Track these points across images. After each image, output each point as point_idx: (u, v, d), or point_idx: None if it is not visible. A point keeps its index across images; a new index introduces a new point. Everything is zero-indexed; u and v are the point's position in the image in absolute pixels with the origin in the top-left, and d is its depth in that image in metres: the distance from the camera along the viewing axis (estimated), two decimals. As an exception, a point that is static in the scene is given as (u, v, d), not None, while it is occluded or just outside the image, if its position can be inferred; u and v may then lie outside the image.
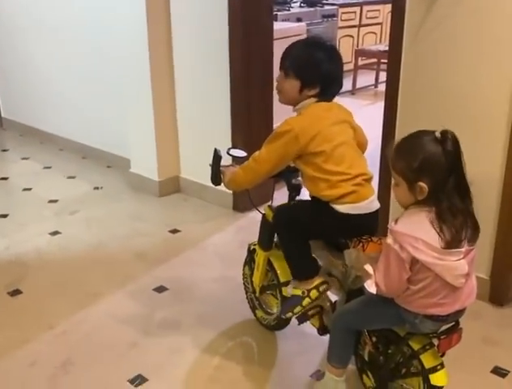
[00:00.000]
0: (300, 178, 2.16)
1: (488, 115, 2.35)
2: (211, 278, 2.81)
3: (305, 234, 2.00)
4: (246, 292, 2.49)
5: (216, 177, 2.10)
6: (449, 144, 1.54)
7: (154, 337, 2.37)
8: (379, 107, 2.81)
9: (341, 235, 1.98)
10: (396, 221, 1.60)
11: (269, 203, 2.24)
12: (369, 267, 1.68)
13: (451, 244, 1.54)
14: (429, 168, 1.54)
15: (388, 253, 1.59)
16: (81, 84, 4.49)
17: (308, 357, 2.23)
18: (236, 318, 2.48)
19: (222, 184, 2.12)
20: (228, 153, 2.15)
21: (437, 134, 1.56)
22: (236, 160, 2.17)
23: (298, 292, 2.01)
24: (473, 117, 2.38)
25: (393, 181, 1.66)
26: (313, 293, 1.99)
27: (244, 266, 2.47)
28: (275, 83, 2.07)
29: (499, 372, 2.14)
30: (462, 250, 1.58)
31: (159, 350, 2.29)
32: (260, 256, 2.25)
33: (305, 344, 2.29)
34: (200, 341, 2.33)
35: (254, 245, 2.33)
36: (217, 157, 2.08)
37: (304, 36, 5.60)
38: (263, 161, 1.96)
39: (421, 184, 1.55)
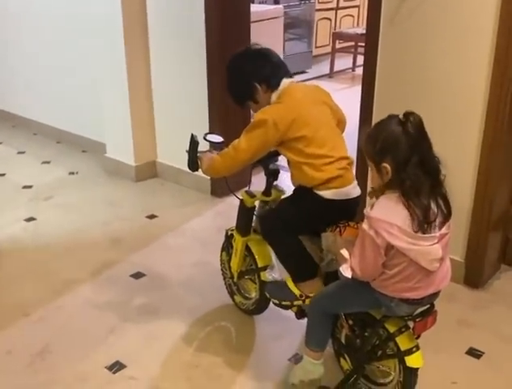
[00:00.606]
0: (278, 163, 2.16)
1: (465, 99, 2.36)
2: (189, 263, 2.80)
3: (294, 231, 1.98)
4: (224, 278, 2.48)
5: (194, 163, 2.08)
6: (409, 125, 1.56)
7: (132, 323, 2.36)
8: (356, 91, 2.81)
9: (325, 222, 1.97)
10: (372, 207, 1.61)
11: (246, 189, 2.23)
12: (344, 252, 1.70)
13: (422, 225, 1.55)
14: (389, 148, 1.56)
15: (364, 238, 1.61)
16: (55, 67, 4.40)
17: (286, 341, 2.24)
18: (214, 304, 2.48)
19: (199, 170, 2.11)
20: (204, 138, 2.13)
21: (400, 116, 1.58)
22: (214, 146, 2.15)
23: (296, 291, 2.00)
24: (450, 101, 2.39)
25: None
26: (308, 301, 1.98)
27: (221, 251, 2.46)
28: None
29: (474, 353, 2.18)
30: (437, 234, 1.59)
31: (137, 336, 2.29)
32: (238, 241, 2.24)
33: (284, 327, 2.30)
34: (178, 327, 2.33)
35: (232, 230, 2.32)
36: (194, 143, 2.06)
37: (281, 19, 5.61)
38: (242, 150, 1.94)
39: (384, 164, 1.57)
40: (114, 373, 2.08)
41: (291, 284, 2.02)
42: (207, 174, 2.13)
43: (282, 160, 2.09)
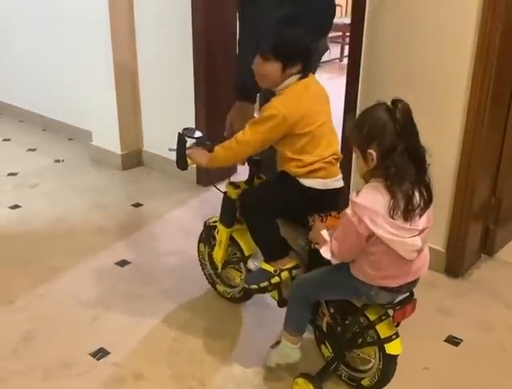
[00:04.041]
0: (260, 154, 2.16)
1: (448, 88, 2.38)
2: (174, 251, 2.81)
3: (273, 213, 2.00)
4: (203, 269, 2.50)
5: (183, 162, 2.07)
6: (397, 112, 1.56)
7: (115, 311, 2.37)
8: (344, 81, 2.83)
9: (304, 210, 1.99)
10: (358, 193, 1.62)
11: (230, 180, 2.24)
12: (325, 233, 1.72)
13: (405, 213, 1.57)
14: (376, 134, 1.57)
15: (346, 225, 1.62)
16: (41, 54, 4.37)
17: (269, 328, 2.26)
18: (198, 291, 2.50)
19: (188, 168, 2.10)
20: (186, 135, 2.11)
21: (388, 103, 1.59)
22: (197, 142, 2.14)
23: (270, 268, 2.02)
24: (433, 90, 2.41)
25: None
26: (285, 274, 2.01)
27: (198, 243, 2.48)
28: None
29: (452, 340, 2.21)
30: (419, 228, 1.62)
31: (120, 323, 2.30)
32: (222, 233, 2.25)
33: (266, 315, 2.33)
34: (162, 314, 2.35)
35: (214, 222, 2.33)
36: (182, 141, 2.05)
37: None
38: (246, 144, 1.92)
39: (370, 151, 1.58)
40: (98, 359, 2.09)
41: (264, 265, 2.05)
42: (208, 166, 2.10)
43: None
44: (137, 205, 3.32)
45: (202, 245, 2.47)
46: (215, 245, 2.33)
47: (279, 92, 1.95)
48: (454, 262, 2.59)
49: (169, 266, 2.70)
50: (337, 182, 1.99)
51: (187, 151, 2.06)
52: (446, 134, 2.43)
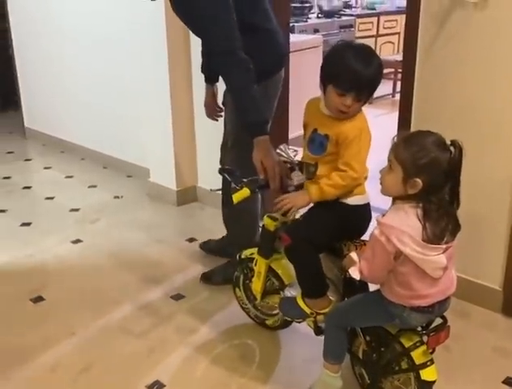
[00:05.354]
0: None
1: (499, 127, 2.38)
2: (227, 286, 2.85)
3: (323, 248, 2.04)
4: (248, 313, 2.54)
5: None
6: (456, 154, 1.62)
7: (171, 344, 2.44)
8: (396, 117, 2.86)
9: (348, 230, 2.03)
10: (384, 214, 1.69)
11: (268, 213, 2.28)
12: (354, 255, 1.77)
13: (433, 241, 1.63)
14: (432, 170, 1.62)
15: (374, 244, 1.68)
16: (102, 95, 4.60)
17: (319, 363, 2.25)
18: (251, 325, 2.54)
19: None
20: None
21: (448, 142, 1.64)
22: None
23: (307, 310, 2.07)
24: (485, 129, 2.41)
25: (386, 167, 1.72)
26: (320, 318, 2.05)
27: (233, 288, 2.54)
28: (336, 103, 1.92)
29: (510, 382, 2.15)
30: (443, 246, 1.66)
31: (175, 357, 2.36)
32: (261, 264, 2.30)
33: (311, 347, 2.30)
34: (215, 347, 2.40)
35: (250, 253, 2.38)
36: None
37: (320, 48, 5.64)
38: (360, 177, 1.97)
39: (417, 180, 1.62)
40: (154, 392, 2.16)
41: (301, 303, 2.08)
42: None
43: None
44: (191, 240, 3.41)
45: (237, 290, 2.53)
46: (252, 276, 2.39)
47: (347, 118, 1.95)
48: (512, 302, 2.53)
49: (224, 299, 2.74)
50: (368, 198, 2.06)
51: (289, 198, 2.07)
52: (501, 173, 2.40)
